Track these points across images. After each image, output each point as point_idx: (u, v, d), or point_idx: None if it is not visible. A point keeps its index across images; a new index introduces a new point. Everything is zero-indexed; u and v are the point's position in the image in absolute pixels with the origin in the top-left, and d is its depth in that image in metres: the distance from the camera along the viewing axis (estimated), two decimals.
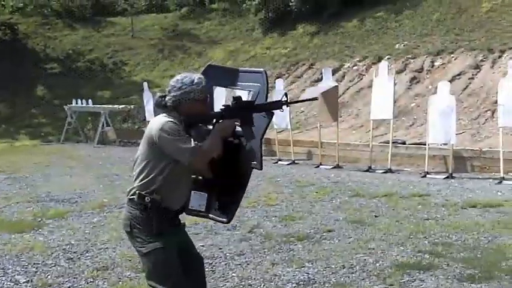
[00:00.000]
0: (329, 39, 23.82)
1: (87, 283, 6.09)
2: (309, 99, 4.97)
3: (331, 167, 14.32)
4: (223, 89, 5.05)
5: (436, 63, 18.28)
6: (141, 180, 4.05)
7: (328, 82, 15.09)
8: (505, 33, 17.92)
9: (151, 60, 30.72)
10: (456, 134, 12.73)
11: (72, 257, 7.09)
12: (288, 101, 4.18)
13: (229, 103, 4.17)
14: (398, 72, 18.01)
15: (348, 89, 18.84)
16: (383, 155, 13.95)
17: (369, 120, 15.05)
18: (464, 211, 9.05)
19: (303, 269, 6.36)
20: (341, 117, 15.18)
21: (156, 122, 4.04)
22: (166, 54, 30.74)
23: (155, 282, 4.06)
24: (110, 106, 23.37)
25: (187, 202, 4.25)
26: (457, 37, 19.14)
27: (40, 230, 8.49)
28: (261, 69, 4.37)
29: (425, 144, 13.06)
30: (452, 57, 18.06)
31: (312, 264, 6.51)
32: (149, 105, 20.30)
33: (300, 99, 4.65)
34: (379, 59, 19.36)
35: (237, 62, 25.72)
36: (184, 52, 30.32)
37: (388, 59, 19.12)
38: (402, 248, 7.06)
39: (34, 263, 6.83)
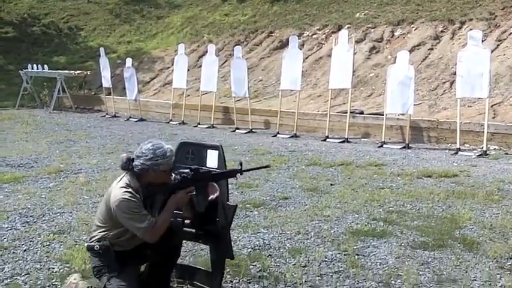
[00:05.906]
0: (289, 7, 23.70)
1: (43, 246, 6.00)
2: (262, 167, 5.10)
3: (289, 136, 14.33)
4: None
5: (396, 33, 18.31)
6: (96, 232, 4.29)
7: (294, 50, 15.02)
8: (466, 4, 18.03)
9: (107, 25, 30.24)
10: (414, 105, 12.81)
11: (28, 220, 7.00)
12: (242, 169, 4.38)
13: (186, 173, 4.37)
14: (358, 41, 17.99)
15: (307, 57, 18.76)
16: (340, 124, 13.98)
17: (327, 90, 15.07)
18: (420, 181, 9.14)
19: (258, 234, 6.35)
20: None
21: (115, 194, 4.13)
22: (123, 19, 30.28)
23: None
24: (66, 71, 23.00)
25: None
26: (418, 7, 19.20)
27: None
28: (217, 144, 4.67)
29: (383, 115, 13.14)
30: (413, 27, 18.10)
31: (267, 230, 6.51)
32: (105, 71, 20.05)
33: (254, 167, 4.74)
34: (339, 28, 19.35)
35: (196, 28, 25.45)
36: (142, 17, 29.91)
37: (348, 27, 19.10)
38: (357, 215, 7.10)
39: None
